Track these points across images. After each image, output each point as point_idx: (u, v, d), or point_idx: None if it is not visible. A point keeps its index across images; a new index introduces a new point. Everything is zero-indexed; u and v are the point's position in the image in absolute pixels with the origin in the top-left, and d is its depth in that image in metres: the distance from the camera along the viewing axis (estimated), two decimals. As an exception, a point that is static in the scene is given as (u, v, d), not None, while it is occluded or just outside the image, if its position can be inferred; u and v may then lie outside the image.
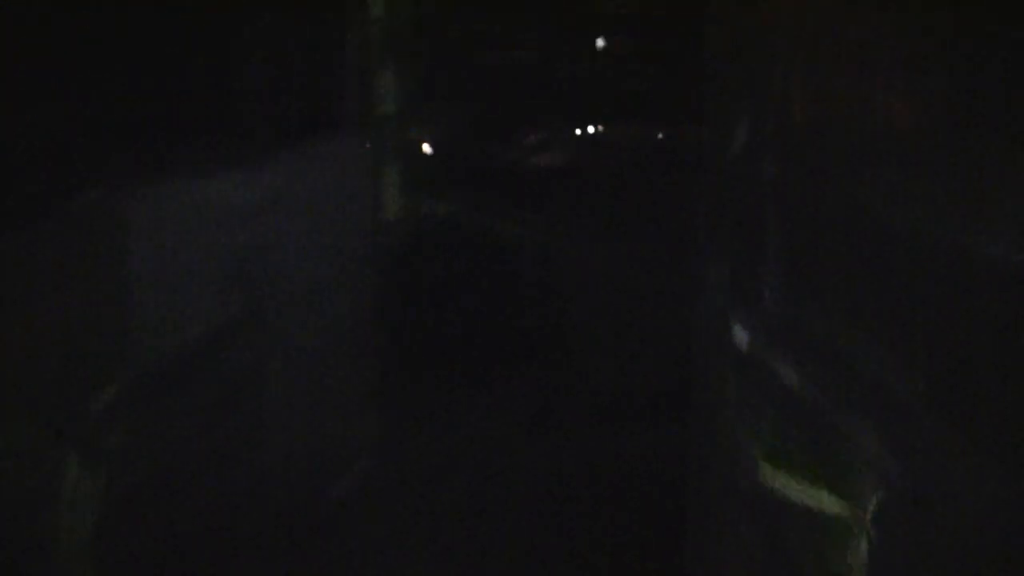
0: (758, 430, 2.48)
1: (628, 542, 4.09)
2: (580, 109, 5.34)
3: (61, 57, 3.27)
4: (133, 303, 3.46)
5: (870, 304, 2.01)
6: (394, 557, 4.13)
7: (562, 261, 5.32)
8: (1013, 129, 1.68)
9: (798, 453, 2.17)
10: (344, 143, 4.63)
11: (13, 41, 3.12)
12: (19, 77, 3.12)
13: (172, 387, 3.59)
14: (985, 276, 1.69)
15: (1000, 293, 1.66)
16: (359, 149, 4.69)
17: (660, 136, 5.28)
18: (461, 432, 4.70)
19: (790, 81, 2.43)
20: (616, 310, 5.09)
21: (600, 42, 5.40)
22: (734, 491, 2.76)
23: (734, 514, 2.81)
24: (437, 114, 5.32)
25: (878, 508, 1.86)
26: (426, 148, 5.12)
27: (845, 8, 2.12)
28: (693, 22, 3.55)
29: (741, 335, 2.69)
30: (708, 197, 3.20)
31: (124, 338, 3.44)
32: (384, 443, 4.58)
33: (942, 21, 1.79)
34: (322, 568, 4.01)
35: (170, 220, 3.55)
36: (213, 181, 3.71)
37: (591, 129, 5.45)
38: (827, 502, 2.01)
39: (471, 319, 5.14)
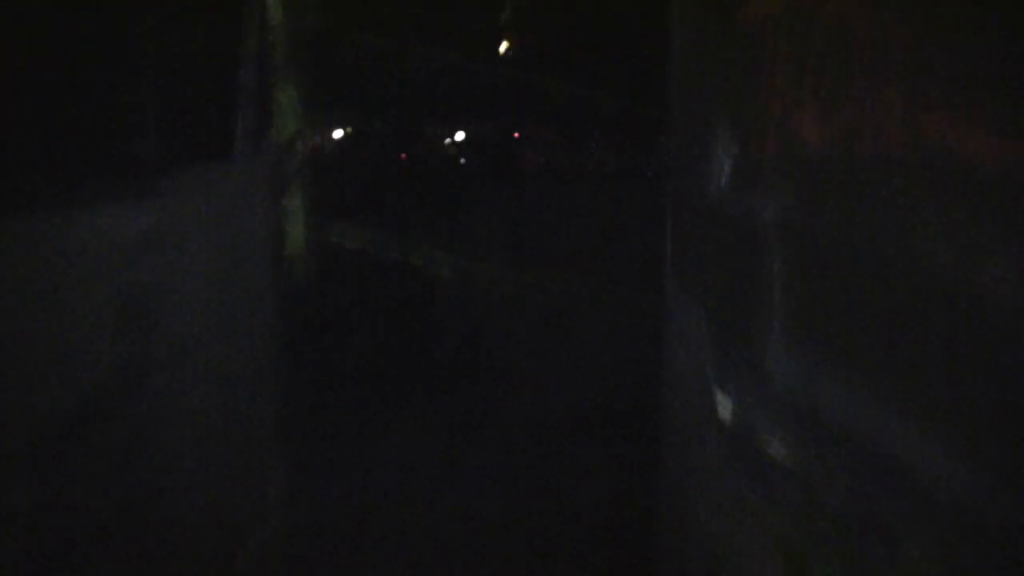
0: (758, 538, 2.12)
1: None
2: (512, 121, 5.32)
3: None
4: (5, 354, 3.06)
5: (896, 370, 1.65)
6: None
7: (488, 287, 5.08)
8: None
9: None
10: (242, 167, 4.29)
11: None
12: None
13: (58, 444, 3.23)
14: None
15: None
16: (258, 173, 4.36)
17: (610, 153, 5.19)
18: (377, 467, 4.54)
19: (785, 89, 2.04)
20: (544, 342, 4.97)
21: (528, 46, 5.30)
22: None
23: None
24: (344, 132, 5.24)
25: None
26: (336, 169, 5.04)
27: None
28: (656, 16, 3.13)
29: (729, 410, 2.31)
30: (676, 231, 2.81)
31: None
32: (295, 489, 4.34)
33: (966, 20, 1.47)
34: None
35: (46, 258, 3.19)
36: (94, 213, 3.37)
37: (525, 143, 5.40)
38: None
39: (386, 349, 5.03)
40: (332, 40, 4.91)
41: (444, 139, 5.53)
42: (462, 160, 5.50)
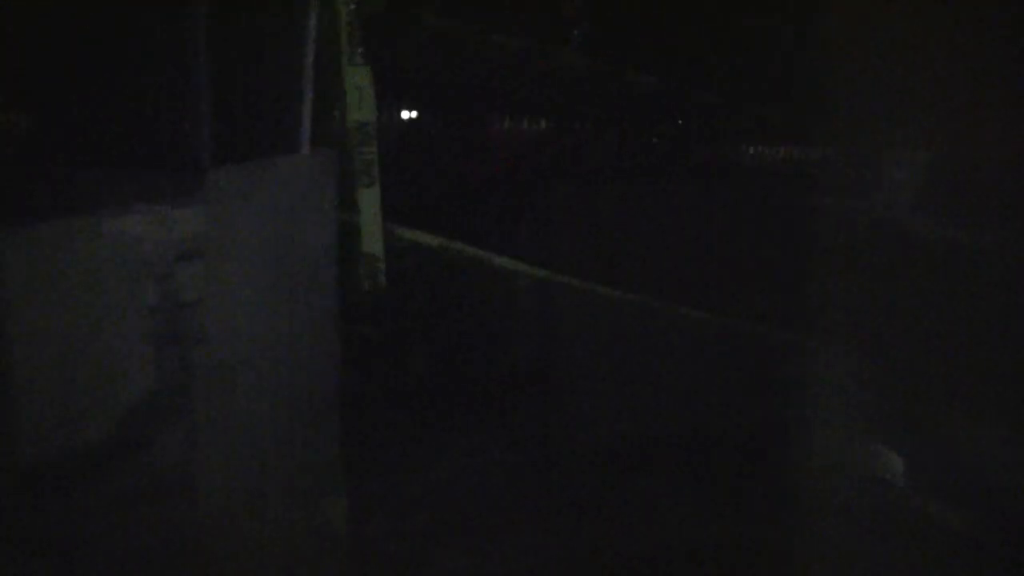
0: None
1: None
2: (592, 113, 5.13)
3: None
4: (24, 378, 2.91)
5: None
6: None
7: (572, 299, 4.84)
8: None
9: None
10: (302, 162, 3.99)
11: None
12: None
13: (90, 474, 3.08)
14: None
15: None
16: (321, 168, 4.07)
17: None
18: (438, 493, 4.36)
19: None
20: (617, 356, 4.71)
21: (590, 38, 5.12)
22: None
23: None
24: (413, 126, 5.03)
25: None
26: (407, 163, 4.76)
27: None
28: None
29: (899, 469, 2.00)
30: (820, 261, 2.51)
31: (14, 422, 2.90)
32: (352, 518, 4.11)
33: None
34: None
35: (70, 269, 2.99)
36: (128, 217, 3.14)
37: (600, 137, 5.25)
38: None
39: (456, 365, 4.81)
40: (401, 24, 4.71)
41: (520, 131, 5.29)
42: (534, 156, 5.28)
